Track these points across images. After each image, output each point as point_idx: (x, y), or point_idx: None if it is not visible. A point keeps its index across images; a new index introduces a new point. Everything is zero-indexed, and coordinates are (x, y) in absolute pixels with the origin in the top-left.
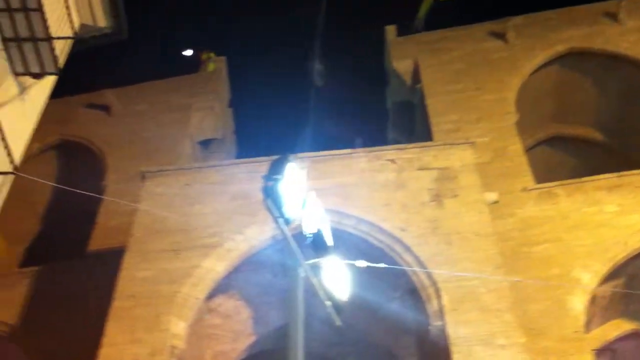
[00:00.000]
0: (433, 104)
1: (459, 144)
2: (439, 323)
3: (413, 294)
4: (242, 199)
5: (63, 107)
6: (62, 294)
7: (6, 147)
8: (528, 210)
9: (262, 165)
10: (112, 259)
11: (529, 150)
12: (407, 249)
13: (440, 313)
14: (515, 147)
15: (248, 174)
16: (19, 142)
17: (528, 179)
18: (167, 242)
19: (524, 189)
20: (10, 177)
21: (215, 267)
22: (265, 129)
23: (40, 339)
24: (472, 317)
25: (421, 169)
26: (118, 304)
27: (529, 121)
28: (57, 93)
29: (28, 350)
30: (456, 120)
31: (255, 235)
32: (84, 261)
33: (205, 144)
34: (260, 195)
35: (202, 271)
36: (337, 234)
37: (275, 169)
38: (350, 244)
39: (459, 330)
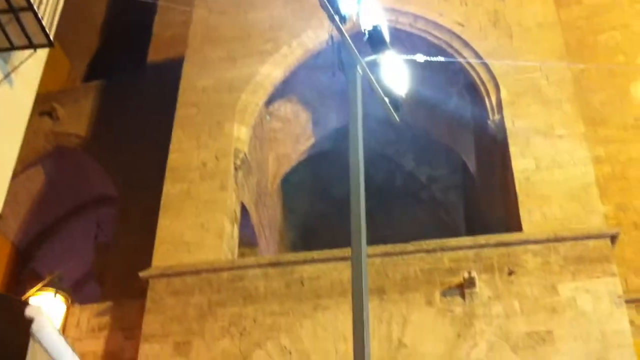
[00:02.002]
0: None
1: None
2: (497, 117)
3: (471, 89)
4: (296, 3)
5: None
6: (127, 106)
7: None
8: None
9: None
10: (172, 69)
11: None
12: (466, 44)
13: (499, 107)
14: None
15: None
16: None
17: None
18: (224, 50)
19: None
20: None
21: (272, 72)
22: None
23: (112, 150)
24: (532, 110)
25: None
26: (181, 112)
27: None
28: None
29: (103, 162)
30: None
31: (310, 39)
32: (145, 73)
33: None
34: None
35: (260, 77)
36: (393, 33)
37: None
38: (408, 44)
39: (517, 123)
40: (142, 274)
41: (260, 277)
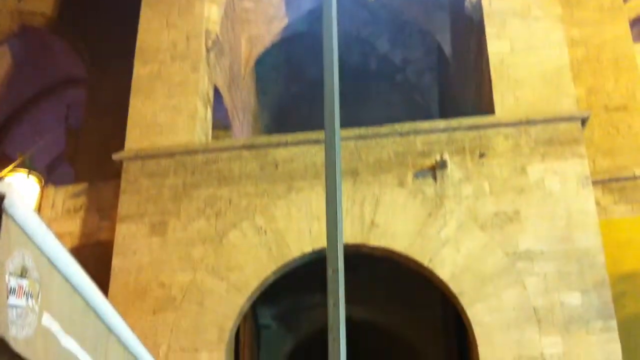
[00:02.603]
0: None
1: None
2: None
3: None
4: None
5: None
6: None
7: None
8: None
9: None
10: None
11: None
12: None
13: None
14: None
15: None
16: None
17: None
18: None
19: None
20: None
21: None
22: None
23: (80, 29)
24: None
25: None
26: None
27: None
28: None
29: (71, 42)
30: None
31: None
32: None
33: None
34: None
35: None
36: None
37: None
38: None
39: (495, 4)
40: (115, 156)
41: (235, 160)
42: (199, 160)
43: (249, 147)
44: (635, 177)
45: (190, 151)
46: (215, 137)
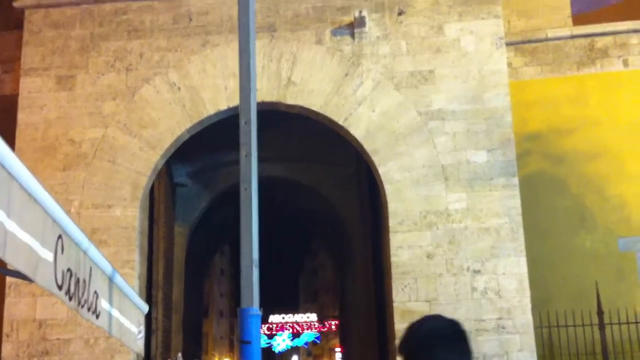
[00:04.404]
0: None
1: None
2: None
3: None
4: None
5: None
6: None
7: None
8: None
9: None
10: None
11: None
12: None
13: None
14: None
15: None
16: None
17: None
18: None
19: None
20: None
21: None
22: None
23: None
24: None
25: None
26: None
27: None
28: None
29: None
30: None
31: None
32: None
33: None
34: None
35: None
36: None
37: None
38: None
39: None
40: (16, 4)
41: (146, 11)
42: (107, 10)
43: None
44: (547, 39)
45: (97, 0)
46: None
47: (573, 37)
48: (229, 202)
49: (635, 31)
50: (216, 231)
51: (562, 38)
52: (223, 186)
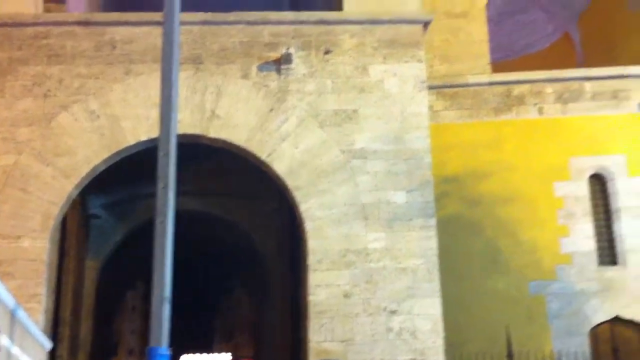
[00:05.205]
0: None
1: None
2: None
3: None
4: None
5: None
6: None
7: None
8: None
9: None
10: None
11: None
12: None
13: None
14: None
15: None
16: None
17: None
18: None
19: None
20: None
21: None
22: None
23: None
24: None
25: None
26: None
27: None
28: None
29: None
30: None
31: None
32: None
33: None
34: None
35: None
36: None
37: None
38: None
39: None
40: None
41: (68, 36)
42: (27, 34)
43: (84, 23)
44: (467, 84)
45: (17, 23)
46: (47, 9)
47: (491, 84)
48: (145, 236)
49: (551, 80)
50: (130, 266)
51: (482, 84)
52: (139, 220)
